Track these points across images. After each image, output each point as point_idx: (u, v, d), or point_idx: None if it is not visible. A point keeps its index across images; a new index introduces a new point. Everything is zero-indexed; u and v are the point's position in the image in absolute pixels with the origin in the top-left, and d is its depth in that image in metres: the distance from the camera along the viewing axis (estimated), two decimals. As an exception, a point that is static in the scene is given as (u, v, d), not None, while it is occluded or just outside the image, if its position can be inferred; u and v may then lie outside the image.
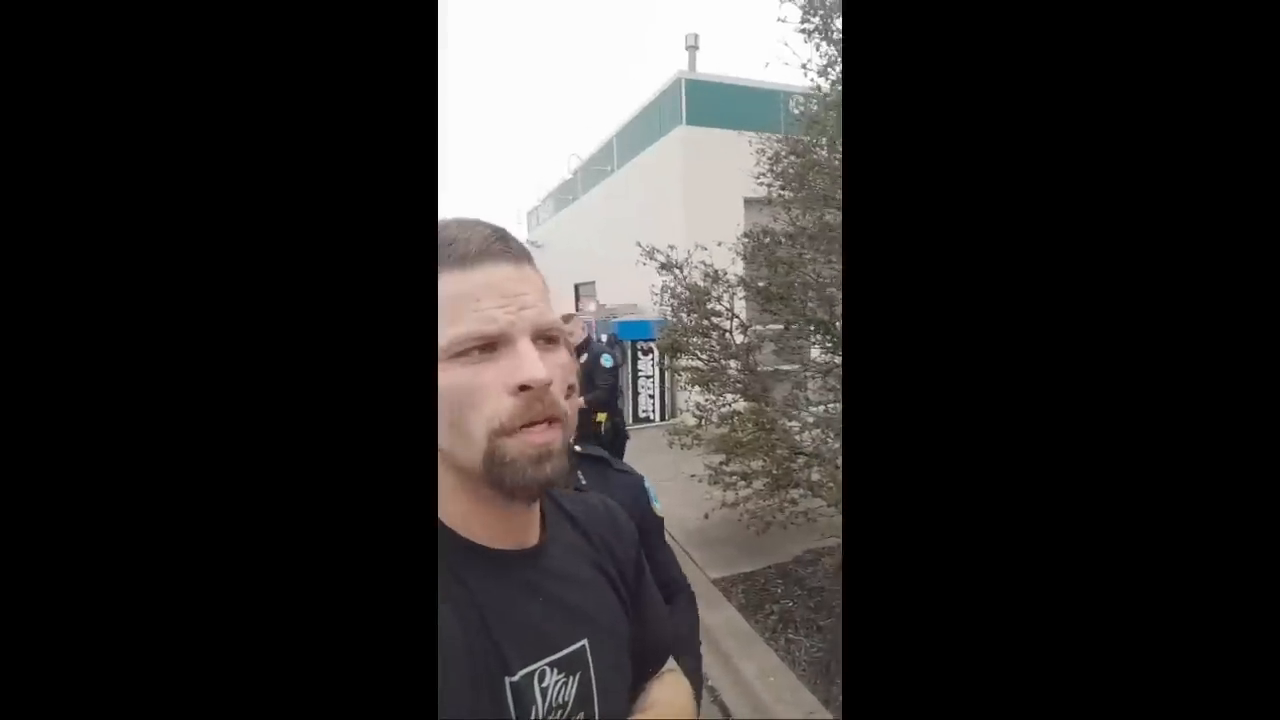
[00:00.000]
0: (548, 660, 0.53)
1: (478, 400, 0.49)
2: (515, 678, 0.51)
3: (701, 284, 3.54)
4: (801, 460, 3.21)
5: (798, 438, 3.26)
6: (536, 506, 0.58)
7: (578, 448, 1.26)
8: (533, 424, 0.50)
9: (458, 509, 0.52)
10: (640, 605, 0.67)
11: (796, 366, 3.57)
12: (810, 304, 3.25)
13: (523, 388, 0.49)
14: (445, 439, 0.49)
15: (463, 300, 0.49)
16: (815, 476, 3.14)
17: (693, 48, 8.90)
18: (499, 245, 0.51)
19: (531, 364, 0.49)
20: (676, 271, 3.56)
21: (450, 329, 0.48)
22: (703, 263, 3.54)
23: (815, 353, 3.64)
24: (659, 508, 1.30)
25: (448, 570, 0.49)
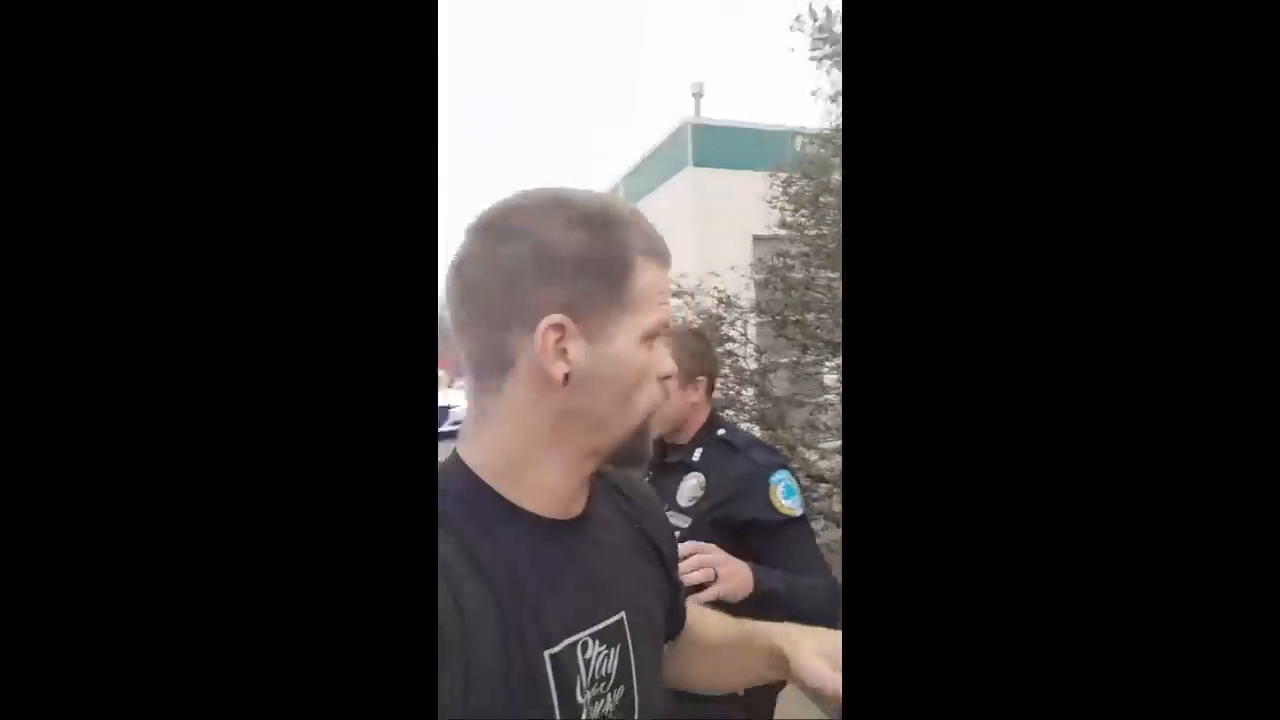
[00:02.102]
0: (590, 631, 0.53)
1: (645, 381, 0.53)
2: (557, 649, 0.50)
3: (714, 310, 3.47)
4: (823, 489, 3.08)
5: (818, 465, 3.14)
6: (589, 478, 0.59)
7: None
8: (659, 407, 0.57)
9: (533, 479, 0.53)
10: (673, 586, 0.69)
11: (814, 393, 3.48)
12: (824, 329, 3.18)
13: (664, 377, 0.55)
14: (602, 408, 0.52)
15: (658, 291, 0.54)
16: (836, 507, 3.01)
17: (698, 95, 9.08)
18: (659, 246, 0.55)
19: (669, 358, 0.56)
20: (687, 298, 3.51)
21: (649, 315, 0.52)
22: (715, 289, 3.48)
23: (831, 379, 3.54)
24: (790, 504, 1.15)
25: (494, 541, 0.49)
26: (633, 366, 0.52)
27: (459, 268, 0.51)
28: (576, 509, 0.57)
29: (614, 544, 0.60)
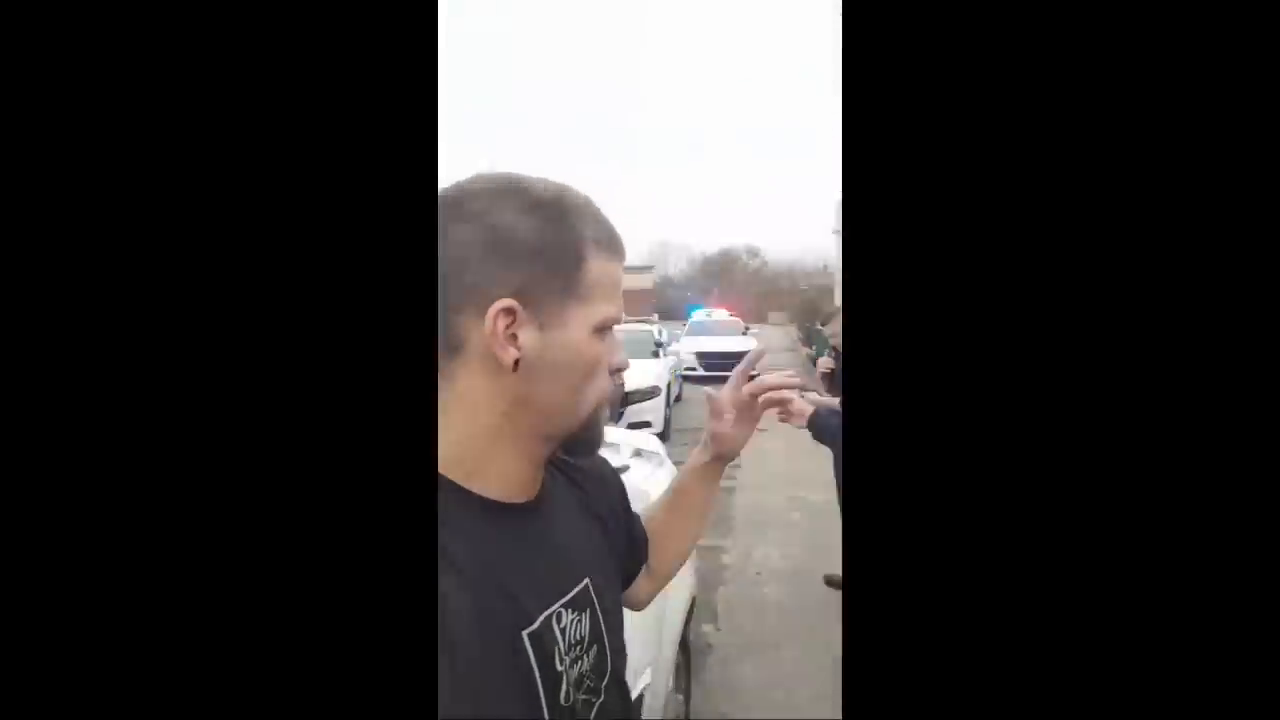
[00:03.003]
0: (561, 602, 0.55)
1: (598, 372, 0.54)
2: (534, 625, 0.51)
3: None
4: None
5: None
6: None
7: None
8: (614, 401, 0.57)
9: (490, 466, 0.53)
10: (630, 538, 0.74)
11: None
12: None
13: (615, 370, 0.56)
14: (551, 397, 0.53)
15: (612, 285, 0.55)
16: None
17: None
18: (617, 243, 0.56)
19: (621, 350, 0.58)
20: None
21: (603, 306, 0.53)
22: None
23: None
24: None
25: (457, 531, 0.48)
26: (584, 356, 0.53)
27: None
28: (534, 490, 0.59)
29: (570, 519, 0.63)
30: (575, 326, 0.52)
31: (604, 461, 0.75)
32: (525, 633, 0.50)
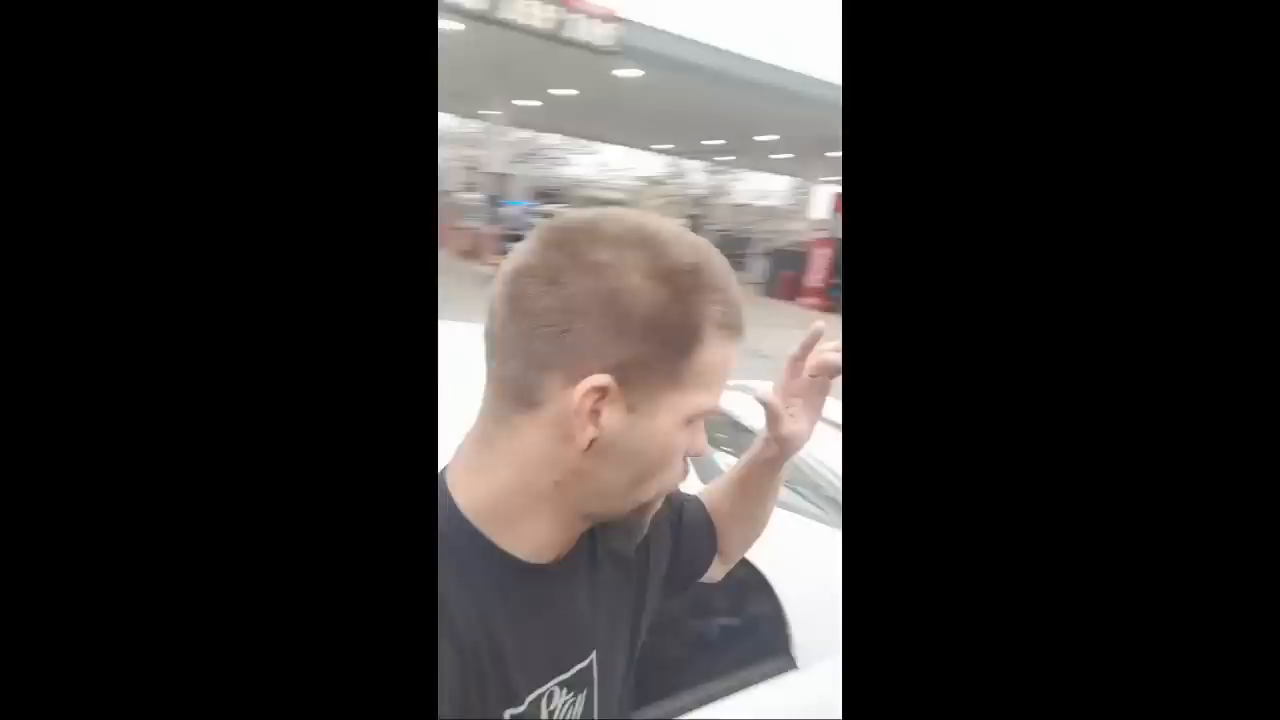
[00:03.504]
0: (557, 680, 0.50)
1: (670, 461, 0.48)
2: (520, 708, 0.46)
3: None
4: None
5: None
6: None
7: None
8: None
9: (523, 525, 0.48)
10: (683, 554, 0.67)
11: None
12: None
13: (691, 455, 0.50)
14: (613, 483, 0.47)
15: (720, 372, 0.47)
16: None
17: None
18: (735, 319, 0.48)
19: (703, 437, 0.50)
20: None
21: (703, 396, 0.47)
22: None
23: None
24: None
25: (470, 587, 0.45)
26: (664, 447, 0.47)
27: (518, 276, 0.44)
28: (564, 552, 0.52)
29: (594, 574, 0.55)
30: (666, 415, 0.45)
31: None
32: (510, 713, 0.45)
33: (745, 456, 0.68)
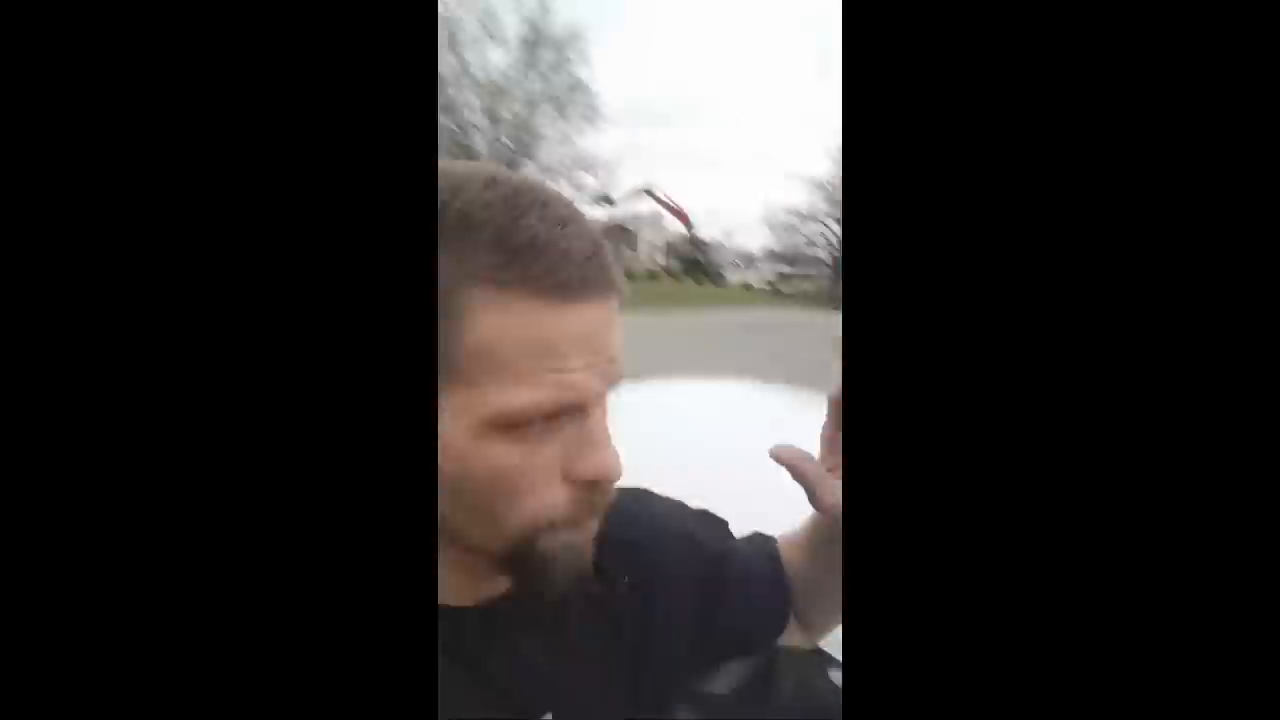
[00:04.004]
0: None
1: (523, 487, 0.36)
2: None
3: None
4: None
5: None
6: None
7: None
8: (583, 520, 0.39)
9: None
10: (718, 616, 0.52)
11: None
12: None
13: (590, 481, 0.37)
14: (453, 513, 0.36)
15: (545, 352, 0.34)
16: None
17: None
18: (599, 270, 0.35)
19: (608, 452, 0.37)
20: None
21: (519, 391, 0.33)
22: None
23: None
24: None
25: None
26: (465, 464, 0.34)
27: None
28: (500, 587, 0.42)
29: (562, 629, 0.45)
30: (449, 420, 0.34)
31: (661, 519, 0.54)
32: None
33: (809, 522, 0.55)
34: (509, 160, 17.15)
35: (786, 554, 0.56)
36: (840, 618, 0.57)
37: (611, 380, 0.37)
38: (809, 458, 0.45)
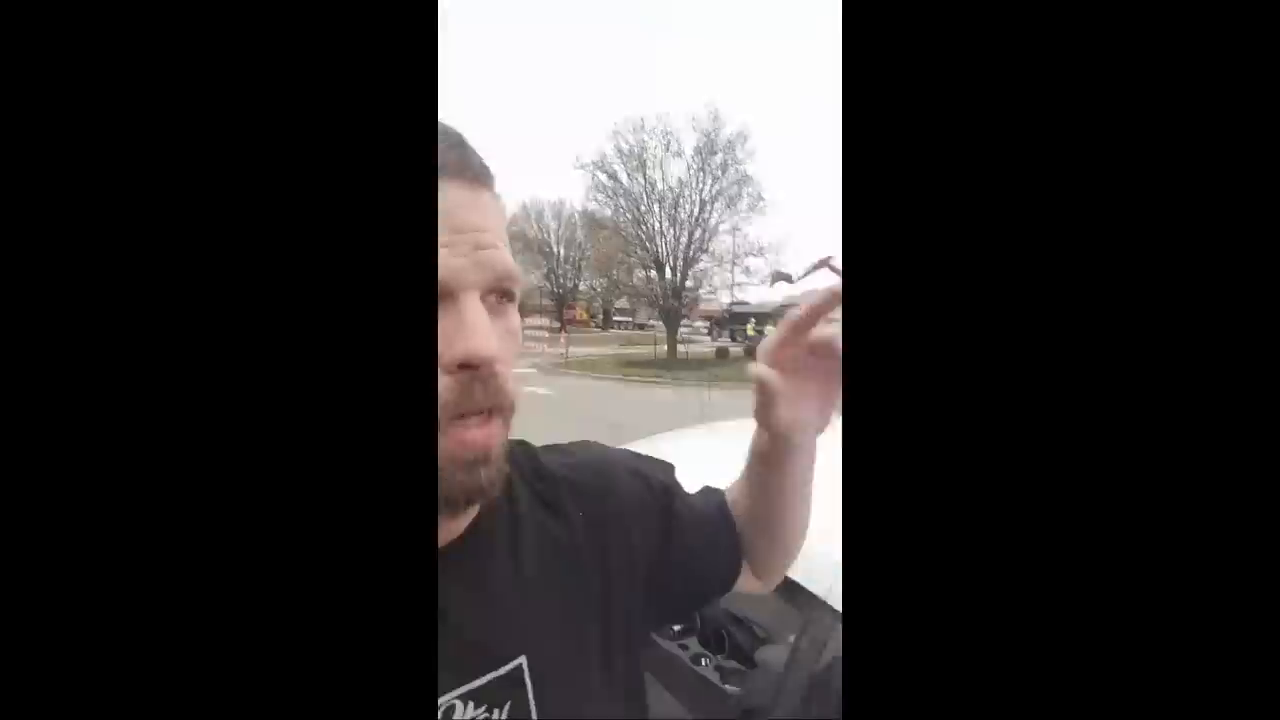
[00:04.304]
0: (459, 691, 0.41)
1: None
2: None
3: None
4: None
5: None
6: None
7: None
8: (467, 415, 0.38)
9: None
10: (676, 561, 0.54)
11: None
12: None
13: (463, 366, 0.37)
14: None
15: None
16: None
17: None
18: (454, 157, 0.38)
19: (477, 332, 0.37)
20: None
21: None
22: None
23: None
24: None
25: None
26: None
27: None
28: (455, 528, 0.44)
29: (520, 560, 0.46)
30: None
31: (610, 460, 0.56)
32: None
33: (749, 447, 0.55)
34: (690, 256, 19.74)
35: (731, 499, 0.58)
36: (788, 561, 0.60)
37: (485, 270, 0.38)
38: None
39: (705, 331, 27.99)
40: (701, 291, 20.86)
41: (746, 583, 0.61)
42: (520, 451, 0.52)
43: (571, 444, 0.58)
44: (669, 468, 0.61)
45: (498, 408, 0.40)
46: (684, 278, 19.62)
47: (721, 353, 20.44)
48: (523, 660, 0.44)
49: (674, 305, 19.76)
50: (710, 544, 0.58)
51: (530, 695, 0.44)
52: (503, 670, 0.43)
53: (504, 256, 0.40)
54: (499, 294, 0.41)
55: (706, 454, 1.38)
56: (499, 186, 0.42)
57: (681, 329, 21.40)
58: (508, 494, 0.48)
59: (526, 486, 0.51)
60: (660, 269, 20.10)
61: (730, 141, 19.17)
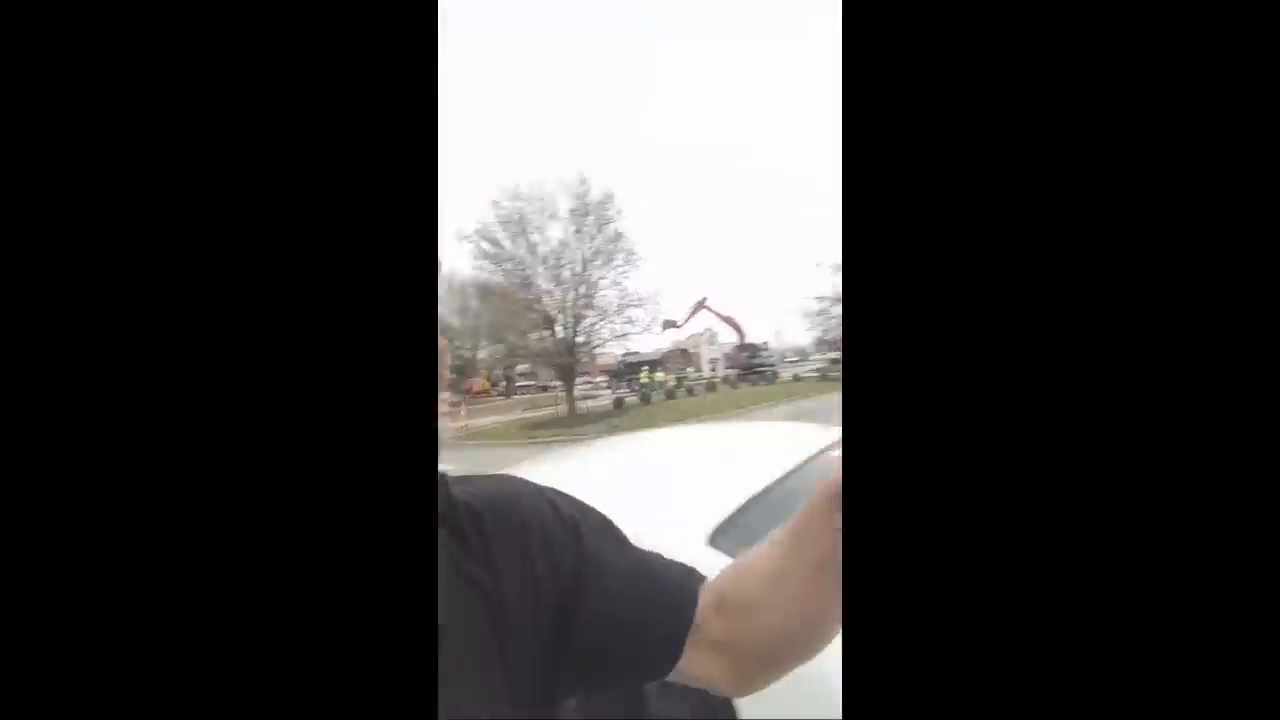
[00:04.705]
0: None
1: None
2: None
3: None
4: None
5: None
6: None
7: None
8: None
9: None
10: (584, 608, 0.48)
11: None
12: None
13: None
14: None
15: None
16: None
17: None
18: None
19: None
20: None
21: None
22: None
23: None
24: None
25: None
26: None
27: None
28: None
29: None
30: None
31: (521, 490, 0.53)
32: None
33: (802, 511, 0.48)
34: (577, 313, 20.35)
35: (734, 584, 0.50)
36: (783, 670, 0.50)
37: None
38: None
39: (605, 385, 28.33)
40: (594, 345, 21.07)
41: (711, 677, 0.50)
42: None
43: (489, 475, 0.53)
44: (596, 514, 0.54)
45: None
46: (575, 333, 20.79)
47: (618, 403, 21.12)
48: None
49: (569, 361, 20.57)
50: (637, 601, 0.49)
51: None
52: None
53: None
54: None
55: (573, 471, 1.54)
56: None
57: (583, 385, 19.80)
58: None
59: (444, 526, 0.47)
60: (551, 327, 20.61)
61: (600, 202, 20.61)
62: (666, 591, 0.51)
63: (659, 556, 0.54)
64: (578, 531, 0.51)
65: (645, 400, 21.58)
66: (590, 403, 23.33)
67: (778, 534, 0.50)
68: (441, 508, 0.48)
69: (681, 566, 0.53)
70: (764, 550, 0.50)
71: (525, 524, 0.50)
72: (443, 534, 0.47)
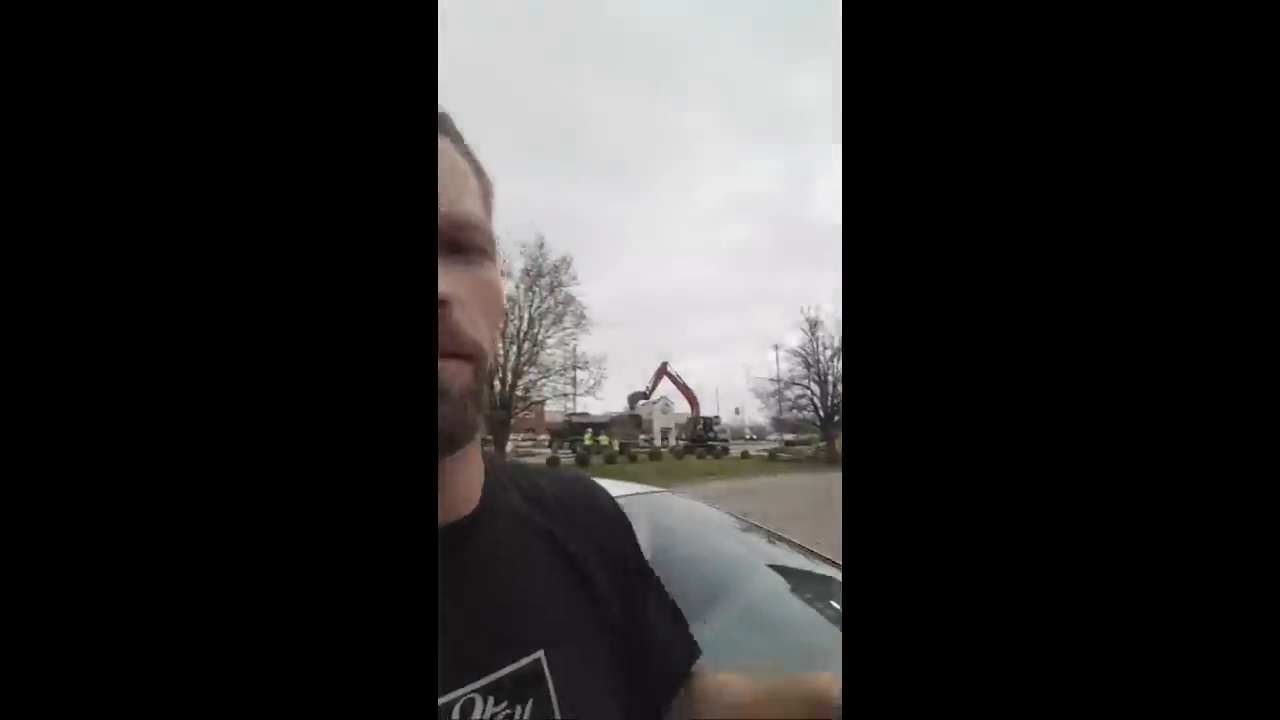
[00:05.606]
0: (478, 684, 0.39)
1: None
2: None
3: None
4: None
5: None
6: (468, 465, 0.45)
7: None
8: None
9: None
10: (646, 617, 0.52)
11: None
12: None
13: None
14: None
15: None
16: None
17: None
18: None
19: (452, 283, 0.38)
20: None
21: None
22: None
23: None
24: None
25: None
26: None
27: None
28: (460, 508, 0.43)
29: (524, 548, 0.45)
30: None
31: (601, 493, 0.56)
32: None
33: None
34: (517, 369, 20.54)
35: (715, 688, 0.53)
36: None
37: (441, 214, 0.39)
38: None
39: (547, 444, 27.95)
40: (531, 401, 21.11)
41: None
42: (499, 461, 0.52)
43: (559, 469, 0.58)
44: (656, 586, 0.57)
45: (456, 353, 0.38)
46: (513, 388, 20.94)
47: (552, 462, 20.86)
48: (540, 654, 0.41)
49: (503, 416, 20.70)
50: (673, 614, 0.55)
51: (554, 697, 0.40)
52: (518, 665, 0.40)
53: (462, 210, 0.40)
54: (459, 245, 0.40)
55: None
56: None
57: (523, 443, 19.70)
58: (497, 493, 0.47)
59: (514, 485, 0.50)
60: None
61: (555, 266, 21.44)
62: (677, 615, 0.57)
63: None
64: (631, 530, 0.57)
65: (582, 463, 21.53)
66: (529, 460, 23.55)
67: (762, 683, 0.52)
68: (518, 477, 0.52)
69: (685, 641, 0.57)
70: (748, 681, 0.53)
71: (599, 507, 0.55)
72: (525, 502, 0.50)
